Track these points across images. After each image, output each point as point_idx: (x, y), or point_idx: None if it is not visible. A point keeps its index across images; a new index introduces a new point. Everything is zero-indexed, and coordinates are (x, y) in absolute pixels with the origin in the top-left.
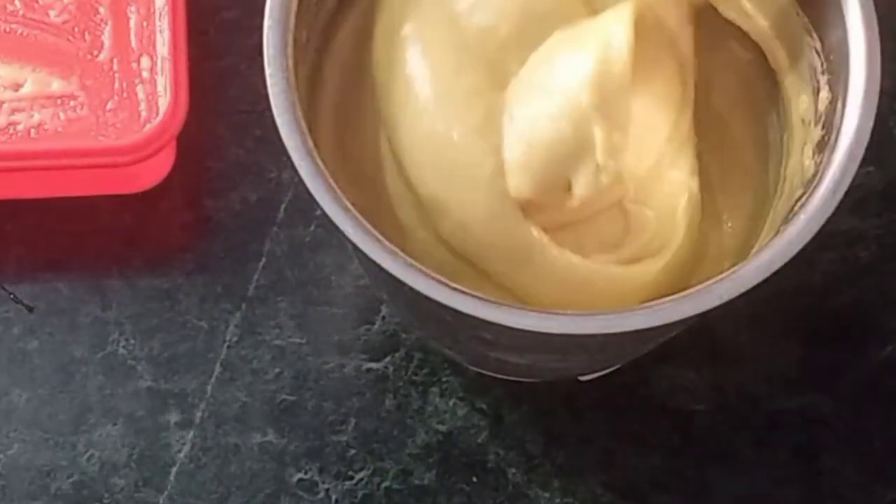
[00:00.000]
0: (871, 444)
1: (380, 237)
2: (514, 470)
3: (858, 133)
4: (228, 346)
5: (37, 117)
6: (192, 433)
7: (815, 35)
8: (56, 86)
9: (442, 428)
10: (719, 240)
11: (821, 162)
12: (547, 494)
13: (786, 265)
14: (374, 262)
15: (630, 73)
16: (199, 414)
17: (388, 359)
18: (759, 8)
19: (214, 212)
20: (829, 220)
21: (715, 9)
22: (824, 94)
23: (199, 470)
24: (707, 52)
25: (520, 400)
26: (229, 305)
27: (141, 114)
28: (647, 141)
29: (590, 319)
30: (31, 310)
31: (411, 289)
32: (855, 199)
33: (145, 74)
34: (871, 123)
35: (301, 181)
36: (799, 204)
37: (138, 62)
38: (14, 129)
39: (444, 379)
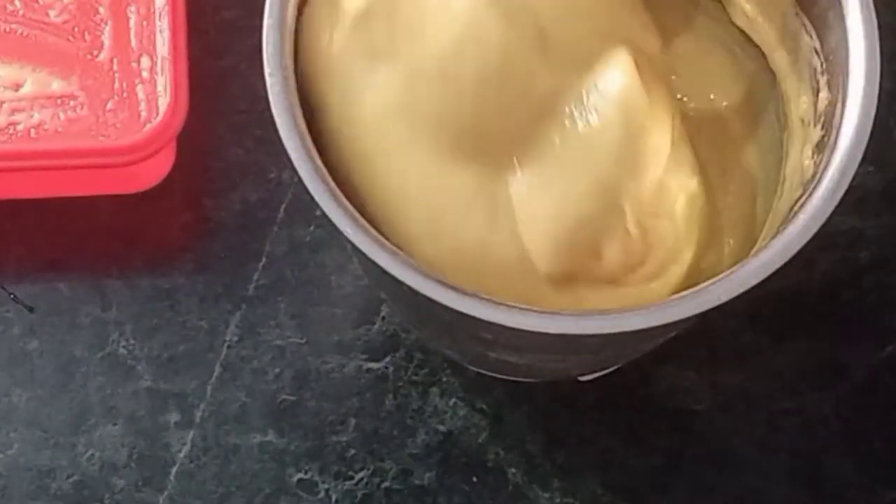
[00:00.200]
0: (871, 444)
1: (380, 237)
2: (514, 470)
3: (858, 133)
4: (228, 346)
5: (37, 117)
6: (192, 433)
7: (815, 35)
8: (56, 86)
9: (442, 428)
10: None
11: (821, 162)
12: (547, 494)
13: (786, 265)
14: (373, 263)
15: (651, 134)
16: (199, 414)
17: (388, 359)
18: (760, 9)
19: (214, 212)
20: (829, 220)
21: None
22: (824, 95)
23: (199, 470)
24: (707, 51)
25: (520, 400)
26: (229, 305)
27: (141, 114)
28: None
29: (590, 319)
30: (31, 310)
31: (411, 289)
32: (855, 199)
33: (145, 74)
34: (870, 123)
35: (301, 181)
36: (799, 204)
37: (138, 62)
38: (14, 129)
39: (444, 379)
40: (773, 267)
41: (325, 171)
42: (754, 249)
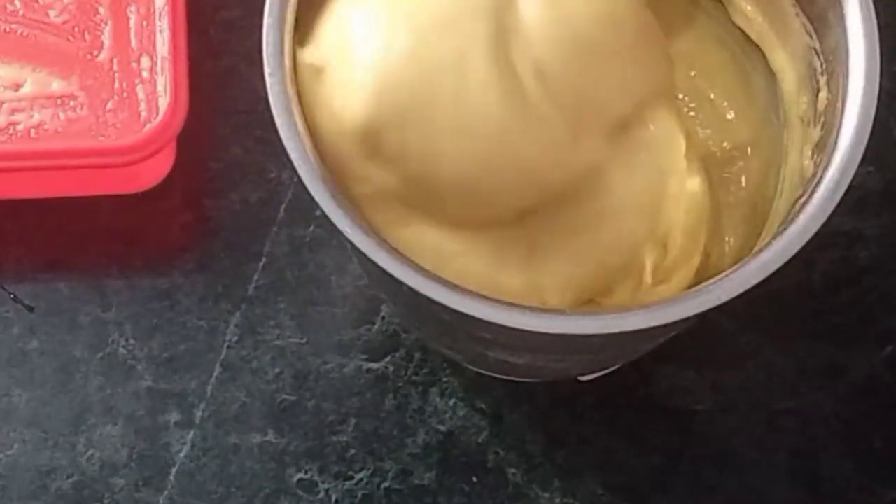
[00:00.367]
0: (871, 444)
1: (380, 237)
2: (514, 470)
3: (858, 133)
4: (228, 346)
5: (37, 117)
6: (192, 433)
7: (814, 35)
8: (56, 86)
9: (442, 428)
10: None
11: (820, 162)
12: (547, 494)
13: (786, 265)
14: (373, 263)
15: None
16: (199, 414)
17: (388, 359)
18: (760, 9)
19: (214, 212)
20: (828, 220)
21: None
22: (824, 95)
23: (199, 470)
24: (707, 52)
25: (520, 400)
26: (229, 305)
27: (141, 114)
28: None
29: (590, 319)
30: (31, 310)
31: (411, 289)
32: (855, 199)
33: (145, 74)
34: (870, 123)
35: (301, 181)
36: (799, 204)
37: (138, 62)
38: (14, 129)
39: (444, 379)
40: (773, 267)
41: (324, 171)
42: (754, 249)
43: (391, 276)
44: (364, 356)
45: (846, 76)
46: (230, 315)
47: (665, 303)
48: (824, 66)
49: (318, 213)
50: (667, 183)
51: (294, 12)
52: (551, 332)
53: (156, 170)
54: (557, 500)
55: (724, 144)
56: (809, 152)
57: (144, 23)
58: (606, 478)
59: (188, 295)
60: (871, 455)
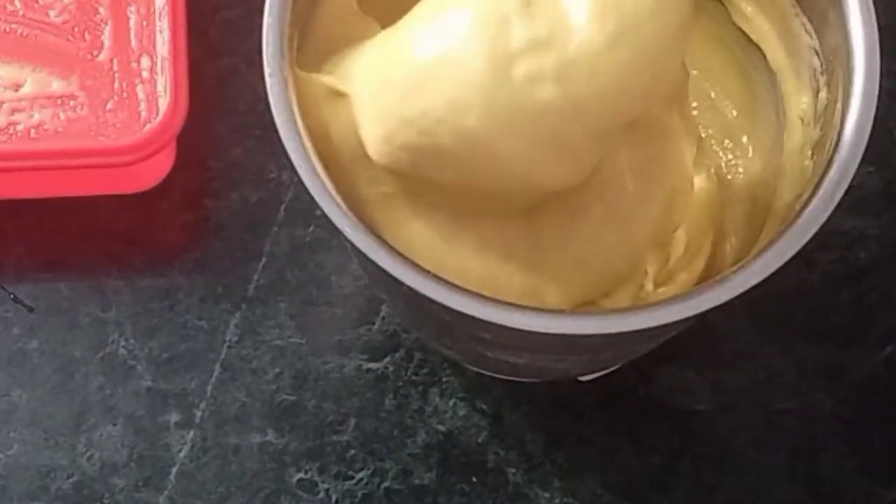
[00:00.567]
0: (871, 444)
1: (379, 237)
2: (514, 470)
3: (858, 133)
4: (228, 346)
5: (37, 117)
6: (192, 433)
7: (814, 35)
8: (56, 86)
9: (442, 428)
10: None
11: (820, 162)
12: (547, 494)
13: (786, 265)
14: (373, 263)
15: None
16: (199, 414)
17: (388, 359)
18: (760, 9)
19: (214, 212)
20: (829, 220)
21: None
22: (824, 95)
23: (199, 470)
24: (707, 52)
25: (520, 400)
26: (229, 305)
27: (141, 114)
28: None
29: (590, 319)
30: (31, 310)
31: (411, 289)
32: (855, 199)
33: (145, 74)
34: (870, 123)
35: (301, 181)
36: (799, 204)
37: (138, 62)
38: (14, 129)
39: (444, 379)
40: (773, 267)
41: (324, 171)
42: (754, 249)
43: (391, 276)
44: (364, 356)
45: (846, 76)
46: (230, 315)
47: (665, 303)
48: (824, 66)
49: (318, 213)
50: (675, 187)
51: (294, 12)
52: (551, 332)
53: (156, 170)
54: (557, 500)
55: (725, 144)
56: (809, 152)
57: (144, 23)
58: (606, 478)
59: (188, 295)
60: (871, 455)
